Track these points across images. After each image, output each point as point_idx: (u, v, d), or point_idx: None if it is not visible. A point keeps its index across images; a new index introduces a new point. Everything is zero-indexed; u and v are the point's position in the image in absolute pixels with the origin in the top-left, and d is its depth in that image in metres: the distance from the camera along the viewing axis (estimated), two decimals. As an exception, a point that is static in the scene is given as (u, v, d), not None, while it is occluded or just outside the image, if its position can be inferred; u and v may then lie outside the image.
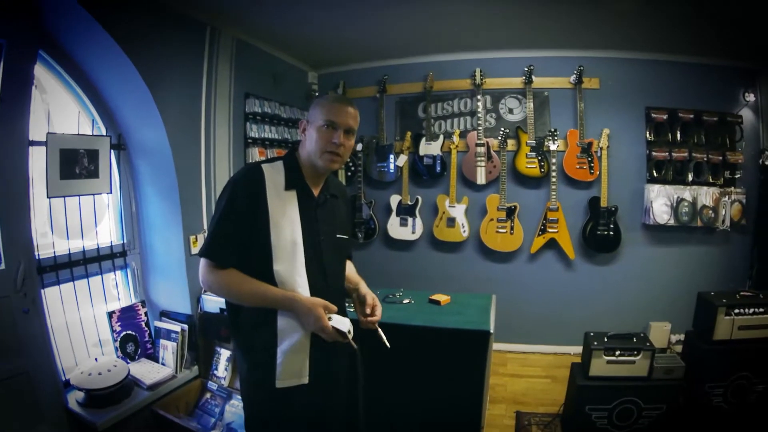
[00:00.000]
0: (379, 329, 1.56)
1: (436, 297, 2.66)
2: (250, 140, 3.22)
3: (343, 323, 1.40)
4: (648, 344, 2.42)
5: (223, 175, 2.98)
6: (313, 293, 1.45)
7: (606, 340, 2.45)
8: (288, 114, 3.58)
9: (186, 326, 2.57)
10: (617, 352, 2.40)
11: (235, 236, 1.40)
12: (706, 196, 3.35)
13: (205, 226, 2.82)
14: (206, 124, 2.83)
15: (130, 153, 2.59)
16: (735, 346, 2.38)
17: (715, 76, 3.43)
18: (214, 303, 2.63)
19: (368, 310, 1.59)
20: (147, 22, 2.34)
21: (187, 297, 2.65)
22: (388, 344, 1.52)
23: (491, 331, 2.27)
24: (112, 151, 2.46)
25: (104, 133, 2.45)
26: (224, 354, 2.62)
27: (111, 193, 2.50)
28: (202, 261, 1.43)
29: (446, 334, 2.30)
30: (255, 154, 3.24)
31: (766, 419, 2.44)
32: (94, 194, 2.39)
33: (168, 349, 2.53)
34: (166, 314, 2.68)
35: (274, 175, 1.47)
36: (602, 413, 2.42)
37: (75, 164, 2.23)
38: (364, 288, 1.68)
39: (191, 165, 2.72)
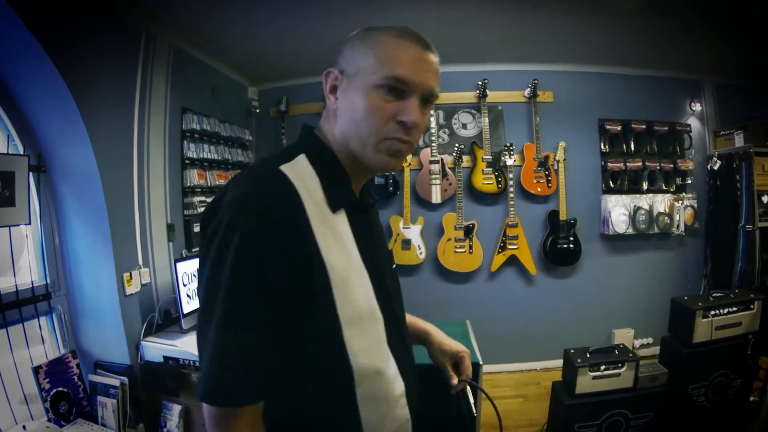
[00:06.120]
0: (469, 388, 1.18)
1: None
2: (187, 161, 3.04)
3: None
4: (631, 355, 2.53)
5: (160, 202, 2.79)
6: (403, 377, 0.94)
7: (588, 355, 2.52)
8: (228, 132, 3.43)
9: (126, 379, 2.31)
10: (602, 367, 2.48)
11: (267, 335, 0.76)
12: (661, 203, 3.68)
13: (141, 260, 2.59)
14: (139, 141, 2.62)
15: (52, 176, 2.32)
16: (713, 347, 2.57)
17: (663, 88, 3.81)
18: (156, 350, 2.40)
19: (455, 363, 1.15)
20: (74, 18, 2.15)
21: (124, 344, 2.40)
22: (474, 410, 1.16)
23: (480, 362, 2.25)
24: (30, 173, 2.19)
25: (21, 151, 2.19)
26: (174, 409, 2.38)
27: (30, 224, 2.20)
28: (208, 409, 0.75)
29: (431, 371, 2.25)
30: (194, 177, 3.06)
31: (744, 410, 2.71)
32: (10, 226, 2.10)
33: (108, 407, 2.25)
34: (101, 365, 2.39)
35: (310, 190, 0.83)
36: (591, 429, 2.48)
37: (-14, 189, 1.97)
38: (436, 335, 1.20)
39: (123, 190, 2.50)
